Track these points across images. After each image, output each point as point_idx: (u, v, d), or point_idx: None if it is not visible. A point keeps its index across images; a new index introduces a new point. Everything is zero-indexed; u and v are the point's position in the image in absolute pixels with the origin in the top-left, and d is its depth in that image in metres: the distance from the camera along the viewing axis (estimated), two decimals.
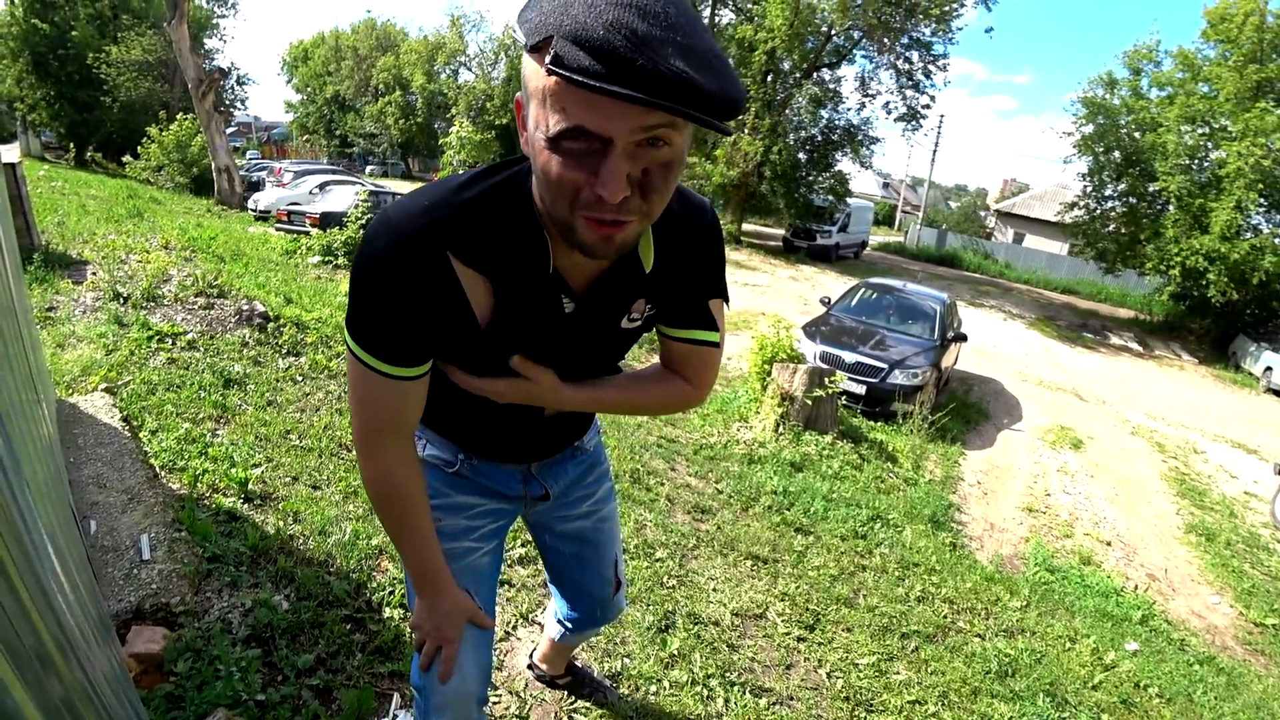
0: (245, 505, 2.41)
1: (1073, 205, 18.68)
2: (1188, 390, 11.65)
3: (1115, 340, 15.70)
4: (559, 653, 1.78)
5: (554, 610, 1.57)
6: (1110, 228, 18.10)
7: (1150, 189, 16.48)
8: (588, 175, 0.66)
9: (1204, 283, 14.53)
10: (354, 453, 3.05)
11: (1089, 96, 17.08)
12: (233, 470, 2.58)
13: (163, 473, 2.51)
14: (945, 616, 2.97)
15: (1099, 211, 18.27)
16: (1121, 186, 17.45)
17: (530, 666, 1.89)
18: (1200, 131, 15.16)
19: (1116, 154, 17.14)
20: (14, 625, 0.66)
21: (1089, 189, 18.24)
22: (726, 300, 1.03)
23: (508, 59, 35.85)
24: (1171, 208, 15.59)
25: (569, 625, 1.52)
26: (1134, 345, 15.45)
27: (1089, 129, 17.26)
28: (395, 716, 1.66)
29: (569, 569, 1.39)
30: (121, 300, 4.24)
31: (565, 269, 0.85)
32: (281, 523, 2.34)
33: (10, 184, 4.66)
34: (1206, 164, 15.28)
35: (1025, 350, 12.48)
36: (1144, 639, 3.53)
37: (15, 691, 0.59)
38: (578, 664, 1.93)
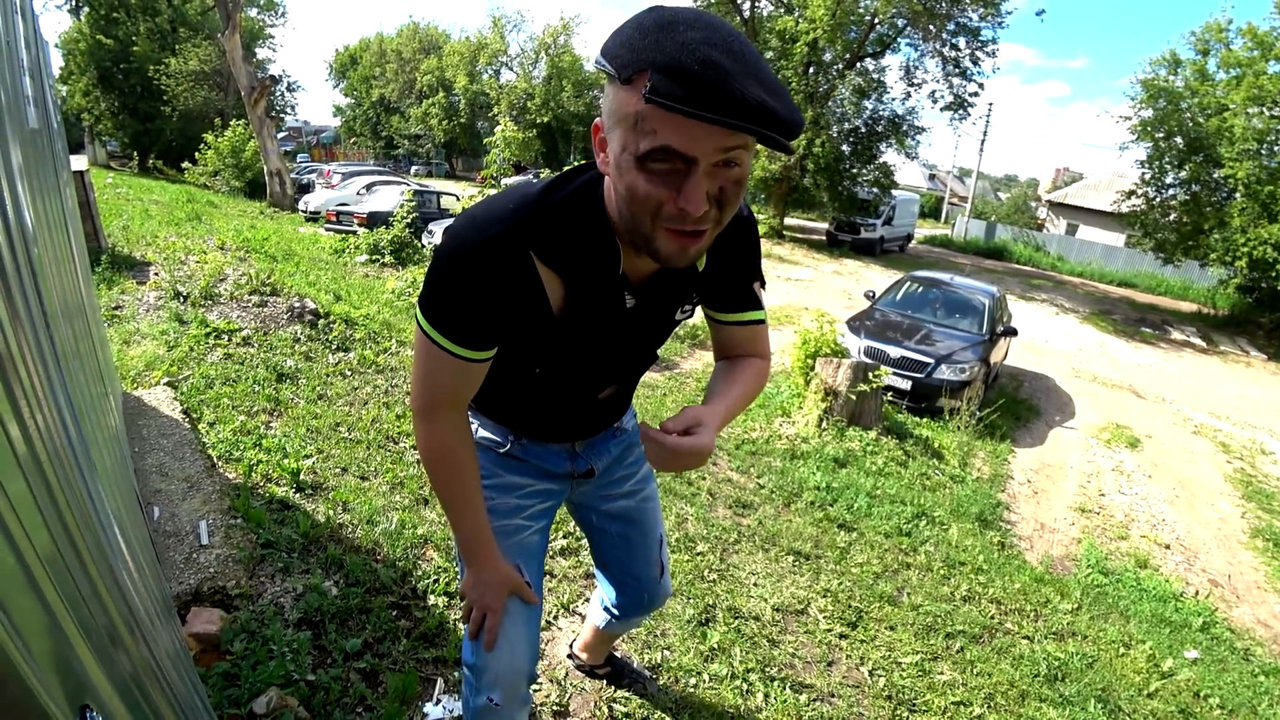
0: (297, 494, 2.50)
1: (1130, 194, 17.87)
2: (1255, 388, 11.05)
3: (1176, 335, 14.99)
4: (602, 642, 1.79)
5: (599, 599, 1.59)
6: (1171, 217, 17.24)
7: (1215, 175, 15.64)
8: (671, 192, 0.75)
9: (1273, 274, 13.74)
10: (400, 444, 3.14)
11: (1150, 79, 16.29)
12: (285, 461, 2.67)
13: (220, 463, 2.61)
14: (992, 617, 2.89)
15: (1158, 200, 17.43)
16: (1183, 174, 16.59)
17: (570, 656, 1.91)
18: (1271, 114, 14.33)
19: (1178, 139, 16.32)
20: (88, 605, 0.70)
21: (1148, 176, 17.43)
22: (764, 283, 1.13)
23: (548, 58, 36.14)
24: (1238, 195, 14.76)
25: (616, 612, 1.54)
26: (1197, 340, 14.73)
27: (1149, 113, 16.48)
28: (439, 701, 1.70)
29: (616, 550, 1.42)
30: (181, 299, 4.43)
31: (628, 270, 0.95)
32: (331, 511, 2.42)
33: (79, 191, 4.92)
34: (1277, 148, 14.44)
35: (1079, 345, 12.03)
36: (1204, 647, 3.37)
37: (90, 666, 0.62)
38: (617, 654, 1.94)
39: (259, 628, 1.78)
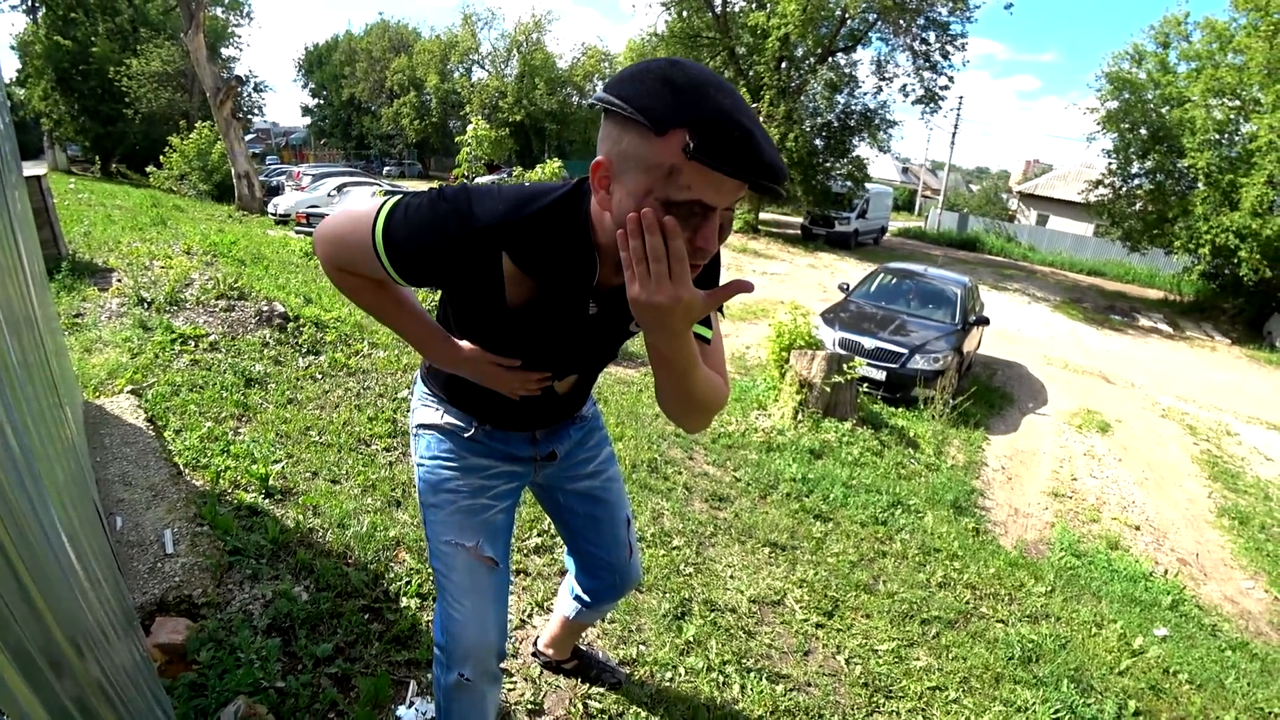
0: (266, 500, 2.45)
1: (1097, 183, 18.26)
2: (1220, 371, 11.35)
3: (1144, 322, 15.34)
4: (569, 634, 1.79)
5: (569, 588, 1.61)
6: (1136, 206, 17.65)
7: (1178, 165, 16.02)
8: (689, 233, 0.83)
9: (1235, 260, 14.11)
10: (372, 446, 3.10)
11: (1114, 71, 16.65)
12: (254, 466, 2.62)
13: (186, 470, 2.56)
14: (967, 602, 2.93)
15: (1124, 190, 17.83)
16: (1148, 163, 16.99)
17: (535, 654, 1.90)
18: (1230, 105, 14.70)
19: (1143, 130, 16.70)
20: (23, 629, 0.68)
21: (1114, 166, 17.81)
22: (722, 311, 1.18)
23: (520, 55, 35.90)
24: (1200, 184, 15.13)
25: (587, 599, 1.57)
26: (1164, 326, 15.09)
27: (1114, 105, 16.84)
28: (412, 704, 1.68)
29: (585, 531, 1.46)
30: (146, 305, 4.33)
31: (600, 282, 1.02)
32: (301, 516, 2.38)
33: (36, 197, 4.78)
34: (1237, 138, 14.82)
35: (1050, 334, 12.26)
36: (1174, 624, 3.45)
37: (20, 695, 0.60)
38: (583, 647, 1.94)
39: (226, 636, 1.75)
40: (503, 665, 1.85)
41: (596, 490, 1.43)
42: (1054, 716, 2.22)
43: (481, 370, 1.15)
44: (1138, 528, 5.07)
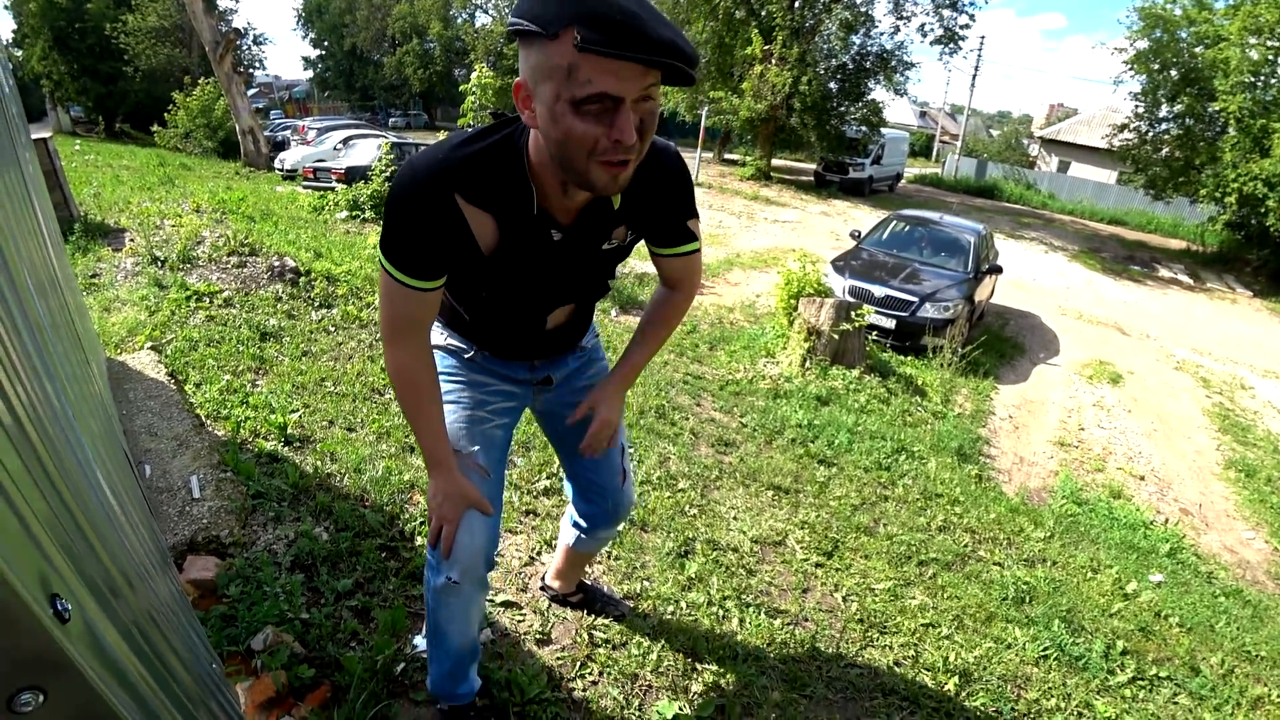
0: (285, 447, 2.55)
1: (1122, 127, 17.67)
2: (1240, 324, 11.19)
3: (1164, 273, 15.06)
4: (573, 565, 1.89)
5: (569, 518, 1.69)
6: (1163, 152, 17.10)
7: (1209, 109, 15.43)
8: (604, 128, 0.87)
9: (1263, 210, 13.72)
10: (385, 395, 3.18)
11: (1147, 8, 15.89)
12: (272, 416, 2.71)
13: (208, 421, 2.65)
14: (966, 545, 3.01)
15: (1151, 135, 17.24)
16: (1177, 107, 16.37)
17: (544, 588, 2.00)
18: (1269, 45, 14.04)
19: (1173, 71, 16.04)
20: (87, 562, 0.75)
21: (1141, 110, 17.19)
22: (697, 217, 1.28)
23: None
24: (1231, 129, 14.59)
25: (584, 524, 1.64)
26: (1184, 278, 14.82)
27: (1145, 44, 16.14)
28: (415, 645, 1.76)
29: (580, 458, 1.49)
30: (159, 264, 4.39)
31: (551, 209, 1.08)
32: (319, 462, 2.47)
33: (44, 159, 4.81)
34: (1274, 80, 14.22)
35: (1066, 284, 12.10)
36: (1170, 571, 3.52)
37: (95, 617, 0.67)
38: (588, 581, 2.03)
39: (253, 572, 1.85)
40: (514, 599, 1.96)
41: (593, 419, 1.45)
42: (1042, 653, 2.31)
43: (450, 497, 1.23)
44: (1142, 478, 5.11)
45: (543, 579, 2.02)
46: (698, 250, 1.31)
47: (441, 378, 1.32)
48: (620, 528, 1.97)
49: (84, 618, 0.59)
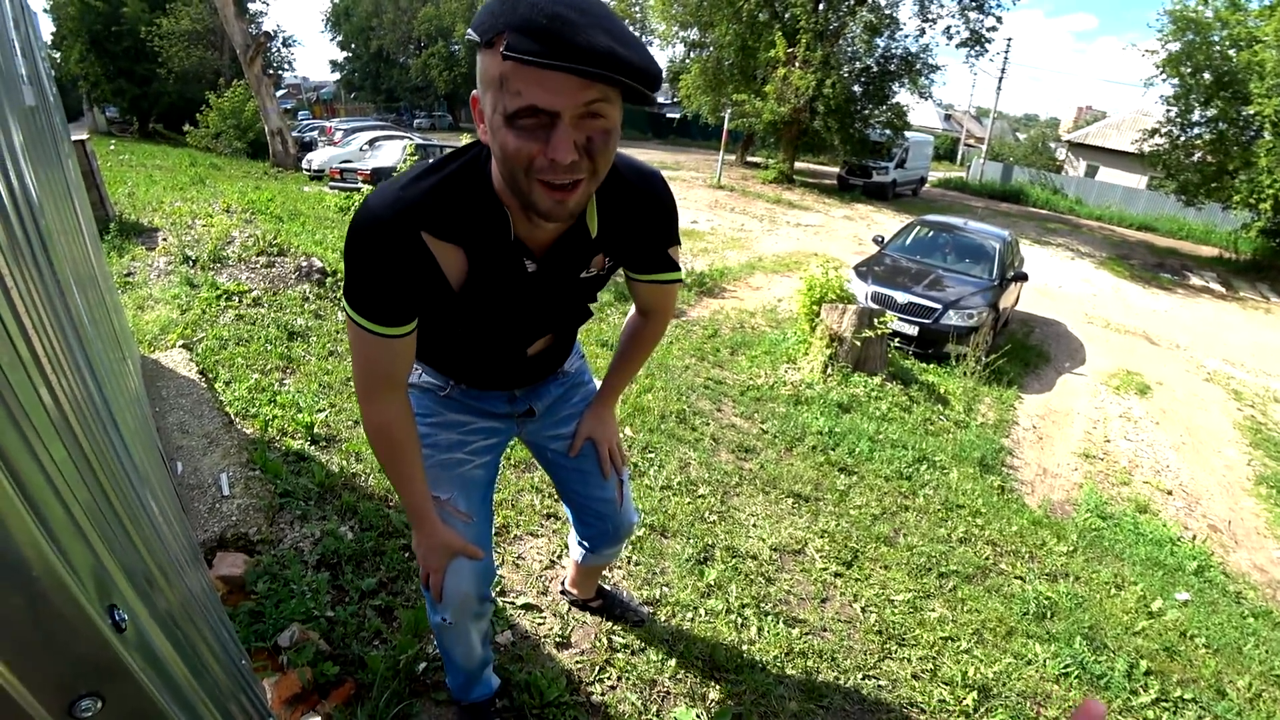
0: (312, 446, 2.60)
1: (1153, 132, 17.30)
2: (1274, 334, 10.90)
3: (1195, 280, 14.73)
4: (586, 576, 1.91)
5: (574, 534, 1.69)
6: (1195, 157, 16.71)
7: (1243, 113, 15.06)
8: (540, 145, 0.80)
9: None
10: None
11: (1178, 10, 15.57)
12: (299, 415, 2.77)
13: (237, 419, 2.71)
14: (987, 558, 2.98)
15: (1183, 140, 16.87)
16: (1210, 111, 15.99)
17: (563, 592, 2.03)
18: None
19: (1206, 74, 15.68)
20: (126, 551, 0.78)
21: (1173, 114, 16.83)
22: (679, 244, 1.22)
23: None
24: (1266, 134, 14.22)
25: (586, 545, 1.64)
26: (1216, 286, 14.47)
27: (1176, 46, 15.80)
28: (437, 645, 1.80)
29: (573, 484, 1.51)
30: (191, 263, 4.50)
31: (525, 237, 1.00)
32: (345, 462, 2.52)
33: (82, 160, 4.94)
34: None
35: (1093, 291, 11.88)
36: (1196, 590, 3.45)
37: (135, 605, 0.69)
38: (607, 587, 2.06)
39: (280, 570, 1.90)
40: (535, 602, 1.98)
41: (584, 447, 1.45)
42: (1063, 670, 2.28)
43: (433, 550, 1.23)
44: (1170, 492, 5.01)
45: (562, 584, 2.04)
46: (678, 281, 1.25)
47: (416, 419, 1.24)
48: (625, 545, 1.97)
49: (137, 625, 0.62)
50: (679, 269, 1.24)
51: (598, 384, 1.50)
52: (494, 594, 1.61)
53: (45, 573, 0.43)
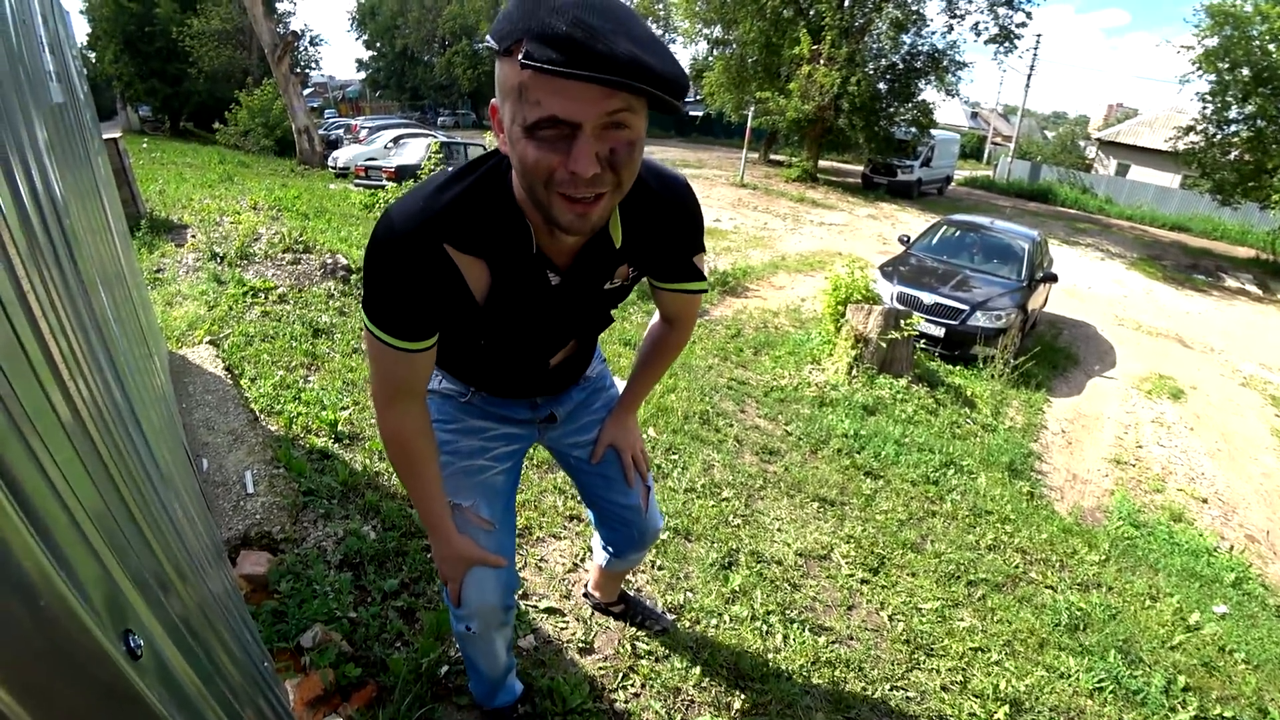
0: (335, 445, 2.60)
1: (1188, 130, 16.87)
2: None
3: (1231, 282, 14.33)
4: (609, 579, 1.89)
5: (598, 539, 1.68)
6: (1231, 155, 16.25)
7: None
8: (561, 158, 0.76)
9: None
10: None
11: (1216, 4, 15.15)
12: (323, 413, 2.78)
13: (262, 416, 2.73)
14: (1016, 566, 2.91)
15: (1219, 137, 16.41)
16: (1249, 108, 15.54)
17: (586, 595, 2.01)
18: None
19: (1245, 70, 15.23)
20: (137, 555, 0.77)
21: (1209, 112, 16.38)
22: (704, 251, 1.19)
23: None
24: None
25: (610, 550, 1.62)
26: (1252, 288, 14.07)
27: (1213, 42, 15.37)
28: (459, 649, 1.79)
29: (598, 489, 1.48)
30: (218, 260, 4.55)
31: (547, 249, 0.98)
32: (368, 460, 2.52)
33: (114, 158, 5.02)
34: None
35: (1124, 292, 11.61)
36: (1235, 602, 3.34)
37: (140, 611, 0.68)
38: (630, 593, 2.04)
39: (303, 569, 1.90)
40: (557, 606, 1.96)
41: (606, 454, 1.44)
42: (1097, 684, 2.21)
43: (449, 560, 1.21)
44: (1205, 500, 4.87)
45: (585, 587, 2.02)
46: (703, 290, 1.24)
47: (436, 426, 1.24)
48: (650, 550, 1.94)
49: (152, 646, 0.60)
50: (704, 278, 1.22)
51: (620, 386, 1.48)
52: (516, 598, 1.59)
53: (53, 597, 0.40)
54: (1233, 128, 16.27)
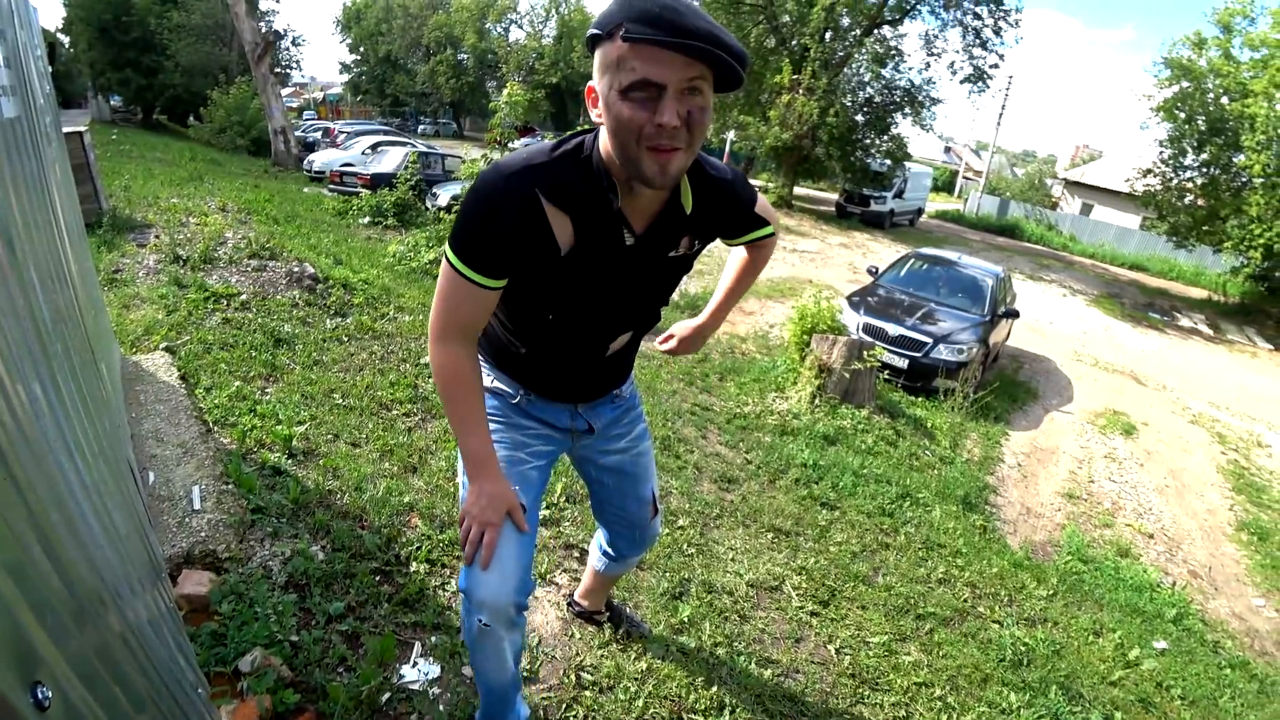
0: (289, 461, 2.56)
1: (1146, 172, 17.56)
2: (1259, 378, 11.00)
3: (1184, 322, 14.88)
4: (601, 586, 1.97)
5: (598, 543, 1.77)
6: (1186, 200, 16.96)
7: (1234, 161, 15.32)
8: (649, 114, 0.95)
9: None
10: (392, 411, 3.20)
11: (1174, 58, 15.88)
12: (279, 427, 2.73)
13: (215, 428, 2.68)
14: (965, 600, 2.96)
15: (1175, 182, 17.12)
16: (1204, 156, 16.26)
17: (571, 604, 2.09)
18: None
19: (1200, 121, 15.96)
20: (44, 582, 0.73)
21: (1166, 156, 17.10)
22: (760, 200, 1.36)
23: (559, 16, 35.37)
24: (1257, 185, 14.44)
25: (612, 553, 1.73)
26: (1204, 328, 14.62)
27: (1171, 92, 16.08)
28: (416, 664, 1.78)
29: (611, 498, 1.60)
30: (181, 262, 4.47)
31: (627, 211, 1.12)
32: (321, 478, 2.48)
33: (78, 152, 4.92)
34: None
35: (1083, 329, 11.97)
36: (1174, 638, 3.43)
37: (40, 643, 0.63)
38: (615, 602, 2.12)
39: (247, 590, 1.86)
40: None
41: (625, 464, 1.54)
42: None
43: (493, 499, 1.23)
44: (1151, 536, 5.02)
45: (571, 596, 2.09)
46: (774, 234, 1.42)
47: (488, 418, 1.33)
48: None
49: (61, 689, 0.59)
50: (769, 224, 1.39)
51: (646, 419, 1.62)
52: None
53: None
54: (1188, 174, 16.98)
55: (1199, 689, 2.89)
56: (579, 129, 1.17)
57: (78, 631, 0.77)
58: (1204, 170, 16.45)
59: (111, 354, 2.66)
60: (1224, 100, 15.20)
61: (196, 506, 2.11)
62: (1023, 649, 2.66)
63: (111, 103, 28.53)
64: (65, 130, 3.96)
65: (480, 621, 1.25)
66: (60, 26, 25.98)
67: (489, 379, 1.39)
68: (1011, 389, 7.54)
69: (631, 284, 1.22)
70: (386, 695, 1.66)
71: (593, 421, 1.46)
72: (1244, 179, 15.38)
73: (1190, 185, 16.84)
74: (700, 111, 0.97)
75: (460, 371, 1.20)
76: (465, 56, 37.99)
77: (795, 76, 18.09)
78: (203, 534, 2.01)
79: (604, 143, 1.06)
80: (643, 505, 1.60)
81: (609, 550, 1.74)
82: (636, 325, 1.34)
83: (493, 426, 1.33)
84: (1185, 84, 15.77)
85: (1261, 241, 13.83)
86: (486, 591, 1.22)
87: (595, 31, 0.97)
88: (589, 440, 1.49)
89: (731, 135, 19.48)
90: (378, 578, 2.06)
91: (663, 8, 0.90)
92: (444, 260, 1.13)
